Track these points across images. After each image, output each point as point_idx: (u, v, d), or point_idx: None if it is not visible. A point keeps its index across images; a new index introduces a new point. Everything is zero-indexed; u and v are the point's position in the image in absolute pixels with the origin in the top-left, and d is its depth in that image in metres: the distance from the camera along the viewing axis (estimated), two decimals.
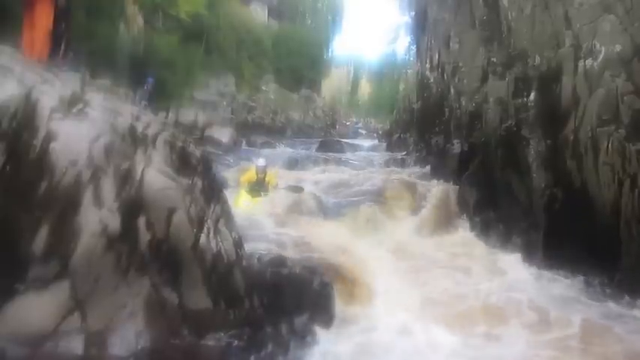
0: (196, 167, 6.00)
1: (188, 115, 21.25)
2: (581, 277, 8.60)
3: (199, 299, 5.31)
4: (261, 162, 11.65)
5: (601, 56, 8.98)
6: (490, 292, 8.07)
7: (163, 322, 5.00)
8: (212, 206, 5.89)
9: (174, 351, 4.95)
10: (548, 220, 9.54)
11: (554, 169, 9.68)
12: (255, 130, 27.82)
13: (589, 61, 9.20)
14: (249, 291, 5.76)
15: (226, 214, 6.21)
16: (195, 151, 6.21)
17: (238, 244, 6.05)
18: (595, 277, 8.48)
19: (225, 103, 28.07)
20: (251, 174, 11.27)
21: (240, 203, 10.36)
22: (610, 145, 8.59)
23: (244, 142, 23.70)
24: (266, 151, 21.39)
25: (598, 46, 9.08)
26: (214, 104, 26.61)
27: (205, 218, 5.64)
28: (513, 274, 8.96)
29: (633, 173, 8.25)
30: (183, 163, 5.85)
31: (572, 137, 9.29)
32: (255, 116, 30.57)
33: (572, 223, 9.01)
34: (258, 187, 10.96)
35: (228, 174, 13.40)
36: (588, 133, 8.94)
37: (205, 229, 5.55)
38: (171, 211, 5.28)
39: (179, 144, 5.98)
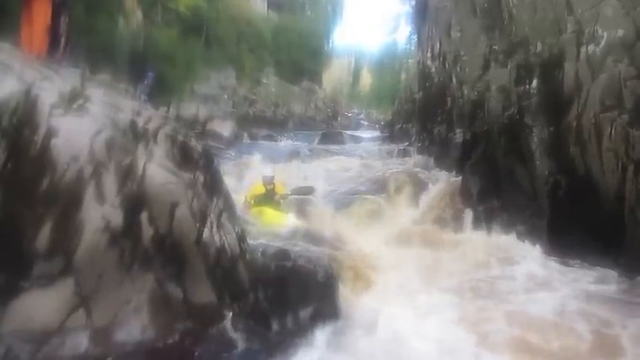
0: (198, 161, 5.96)
1: (189, 109, 21.16)
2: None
3: (203, 294, 5.29)
4: (268, 172, 10.36)
5: (603, 41, 8.93)
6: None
7: (168, 316, 4.99)
8: (214, 200, 5.87)
9: (178, 345, 4.95)
10: (552, 207, 9.54)
11: (557, 156, 9.66)
12: (256, 123, 27.78)
13: (591, 47, 9.15)
14: (253, 285, 5.74)
15: (229, 208, 6.19)
16: (197, 146, 6.17)
17: (242, 237, 6.03)
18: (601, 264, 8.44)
19: (226, 96, 27.99)
20: (257, 188, 10.11)
21: (275, 220, 9.39)
22: (613, 130, 8.56)
23: (246, 136, 23.65)
24: (268, 144, 21.36)
25: (600, 31, 9.03)
26: (215, 98, 26.54)
27: (208, 212, 5.61)
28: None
29: (637, 159, 8.22)
30: (184, 157, 5.81)
31: (575, 124, 9.26)
32: (256, 109, 30.51)
33: (576, 209, 9.01)
34: (269, 199, 9.88)
35: (228, 167, 13.30)
36: (591, 119, 8.91)
37: (208, 224, 5.52)
38: (173, 206, 5.26)
39: (180, 138, 5.94)
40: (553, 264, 8.83)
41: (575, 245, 8.76)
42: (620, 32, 8.67)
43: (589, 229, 8.63)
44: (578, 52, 9.42)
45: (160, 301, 4.98)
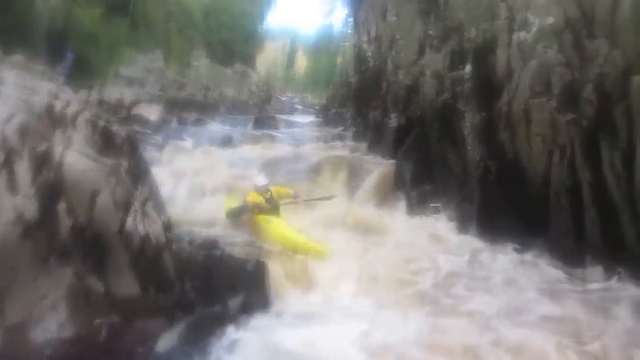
0: (121, 147, 5.72)
1: (113, 92, 20.40)
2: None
3: (127, 285, 5.08)
4: (261, 180, 9.49)
5: (534, 28, 9.05)
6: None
7: (88, 312, 4.73)
8: (139, 188, 5.63)
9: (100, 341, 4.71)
10: (482, 192, 9.64)
11: (488, 142, 9.78)
12: (186, 107, 26.90)
13: (523, 34, 9.28)
14: (179, 275, 5.57)
15: (154, 196, 5.96)
16: (120, 131, 5.93)
17: (168, 227, 5.82)
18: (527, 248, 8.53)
19: (153, 79, 27.11)
20: (252, 197, 9.17)
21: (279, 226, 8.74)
22: (541, 116, 8.68)
23: (174, 120, 22.98)
24: (197, 129, 20.83)
25: (532, 18, 9.16)
26: (141, 81, 25.62)
27: (132, 200, 5.38)
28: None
29: (562, 144, 8.37)
30: (106, 143, 5.56)
31: (505, 109, 9.38)
32: (185, 93, 29.66)
33: (505, 194, 9.13)
34: (271, 209, 9.10)
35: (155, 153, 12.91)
36: (521, 105, 9.03)
37: (132, 212, 5.29)
38: (94, 194, 5.00)
39: (102, 123, 5.69)
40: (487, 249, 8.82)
41: (504, 229, 8.84)
42: (551, 20, 8.78)
43: (518, 214, 8.75)
44: (510, 38, 9.54)
45: (80, 296, 4.74)
